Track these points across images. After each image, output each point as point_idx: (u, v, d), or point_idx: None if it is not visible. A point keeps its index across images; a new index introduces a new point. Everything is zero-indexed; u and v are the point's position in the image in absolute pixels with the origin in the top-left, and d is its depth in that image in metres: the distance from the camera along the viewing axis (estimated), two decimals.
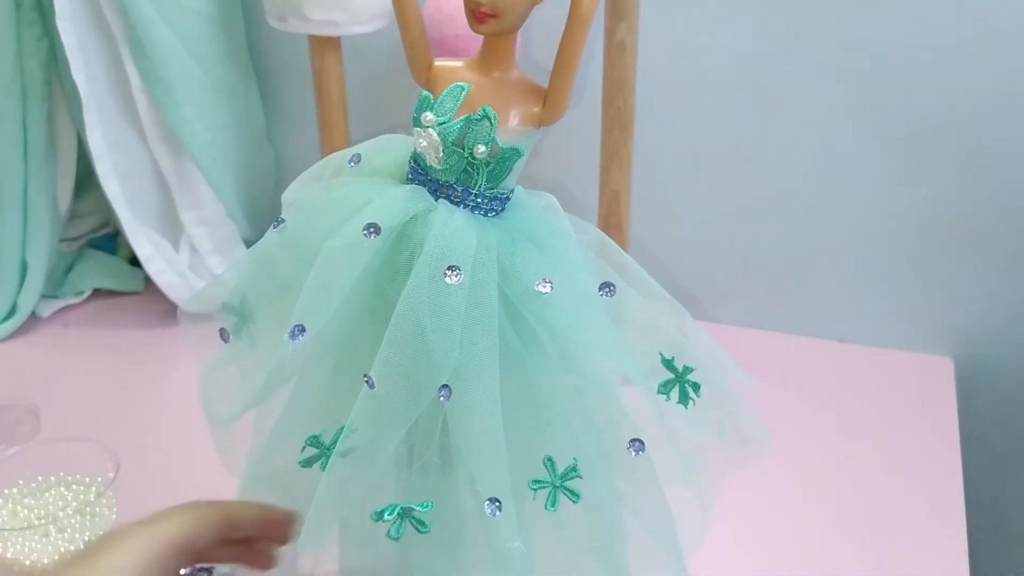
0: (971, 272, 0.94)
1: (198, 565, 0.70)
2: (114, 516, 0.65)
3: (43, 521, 0.63)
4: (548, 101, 0.48)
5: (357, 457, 0.49)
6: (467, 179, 0.48)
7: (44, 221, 1.03)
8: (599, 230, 0.54)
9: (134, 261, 1.10)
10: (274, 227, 0.52)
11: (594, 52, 0.83)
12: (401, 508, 0.48)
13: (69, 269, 1.11)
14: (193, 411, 0.93)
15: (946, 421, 0.89)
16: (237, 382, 0.57)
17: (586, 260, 0.51)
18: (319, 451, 0.50)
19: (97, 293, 1.11)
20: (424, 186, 0.50)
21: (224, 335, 0.55)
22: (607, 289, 0.50)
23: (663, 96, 0.95)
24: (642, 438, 0.51)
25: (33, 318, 1.05)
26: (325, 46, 0.92)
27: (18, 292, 1.04)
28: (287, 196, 0.56)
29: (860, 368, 0.98)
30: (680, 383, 0.51)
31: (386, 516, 0.48)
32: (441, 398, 0.48)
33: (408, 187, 0.50)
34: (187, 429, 0.90)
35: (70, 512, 0.64)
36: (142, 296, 1.10)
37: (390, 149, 0.53)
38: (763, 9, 0.89)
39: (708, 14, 0.91)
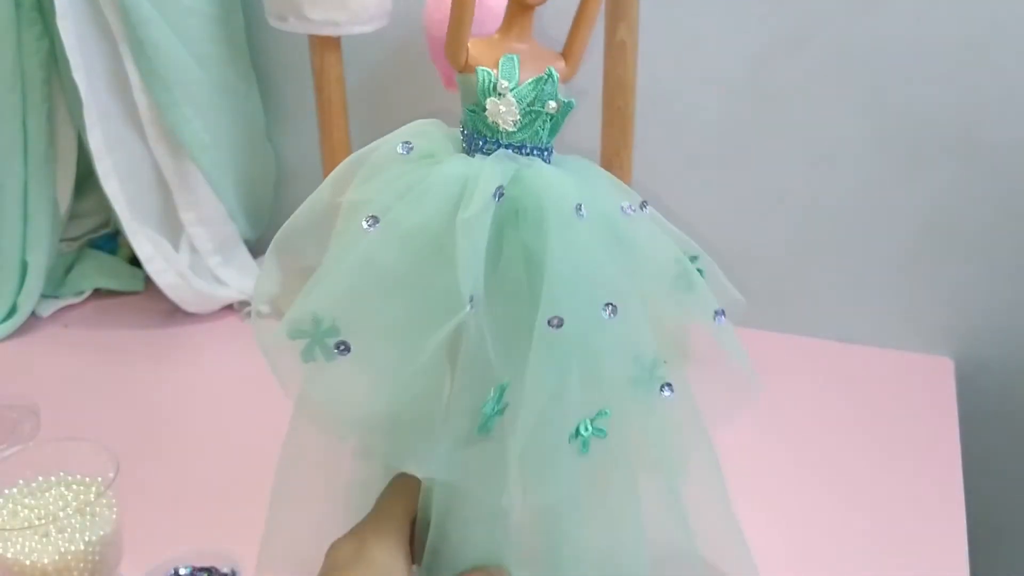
0: (971, 272, 0.94)
1: (197, 565, 0.71)
2: (114, 516, 0.65)
3: (43, 521, 0.63)
4: (570, 59, 0.53)
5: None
6: (535, 136, 0.52)
7: (44, 221, 1.03)
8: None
9: (134, 261, 1.10)
10: (368, 225, 0.49)
11: (594, 52, 0.83)
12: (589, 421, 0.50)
13: (69, 269, 1.11)
14: (193, 411, 0.94)
15: (946, 421, 0.89)
16: (356, 390, 0.52)
17: (616, 184, 0.56)
18: (487, 415, 0.49)
19: (97, 293, 1.11)
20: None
21: (342, 347, 0.49)
22: (644, 206, 0.56)
23: (663, 96, 0.95)
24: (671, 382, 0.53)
25: (33, 318, 1.05)
26: (325, 46, 0.92)
27: (18, 292, 1.04)
28: (333, 196, 0.53)
29: (860, 368, 0.98)
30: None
31: (582, 431, 0.49)
32: (608, 315, 0.50)
33: (494, 154, 0.52)
34: (187, 429, 0.90)
35: (70, 512, 0.64)
36: (142, 296, 1.10)
37: (428, 133, 0.54)
38: (763, 9, 0.89)
39: (708, 14, 0.91)
